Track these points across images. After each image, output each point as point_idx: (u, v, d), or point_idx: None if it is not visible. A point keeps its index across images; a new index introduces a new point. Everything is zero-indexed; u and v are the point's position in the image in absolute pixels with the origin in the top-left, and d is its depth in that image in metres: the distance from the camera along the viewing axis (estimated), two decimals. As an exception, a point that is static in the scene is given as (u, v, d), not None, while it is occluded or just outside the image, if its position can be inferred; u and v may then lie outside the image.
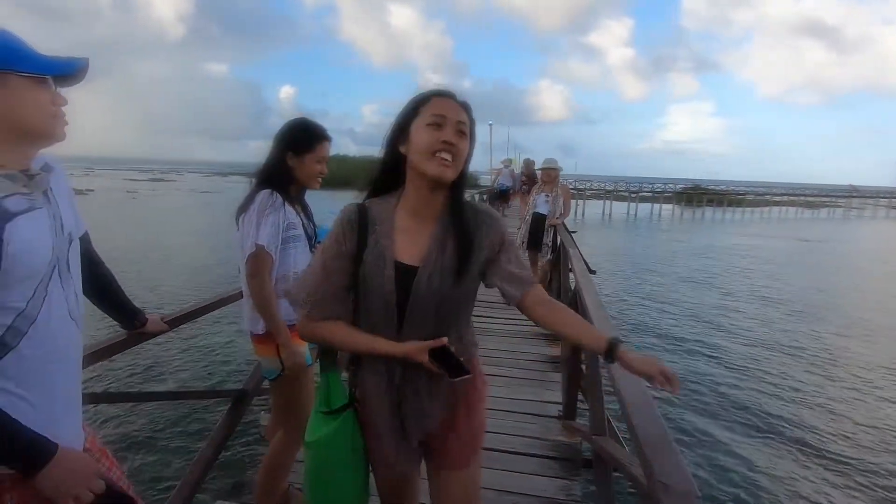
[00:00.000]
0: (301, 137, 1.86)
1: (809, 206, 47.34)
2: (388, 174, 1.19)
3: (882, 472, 4.53)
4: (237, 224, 1.87)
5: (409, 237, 1.15)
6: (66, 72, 0.97)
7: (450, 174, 1.10)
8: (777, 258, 17.18)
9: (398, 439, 1.23)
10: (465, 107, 1.14)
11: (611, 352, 1.08)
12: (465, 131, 1.12)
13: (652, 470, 1.09)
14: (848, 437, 5.11)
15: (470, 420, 1.26)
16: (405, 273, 1.12)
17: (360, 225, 1.14)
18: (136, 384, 5.38)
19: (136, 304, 1.69)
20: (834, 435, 5.14)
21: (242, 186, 1.91)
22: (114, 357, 1.79)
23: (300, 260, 1.91)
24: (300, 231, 1.90)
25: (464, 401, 1.25)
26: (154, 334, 1.83)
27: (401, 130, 1.14)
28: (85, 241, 1.32)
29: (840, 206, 49.41)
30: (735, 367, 6.89)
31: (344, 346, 1.19)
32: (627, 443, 2.04)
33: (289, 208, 1.85)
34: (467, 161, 1.15)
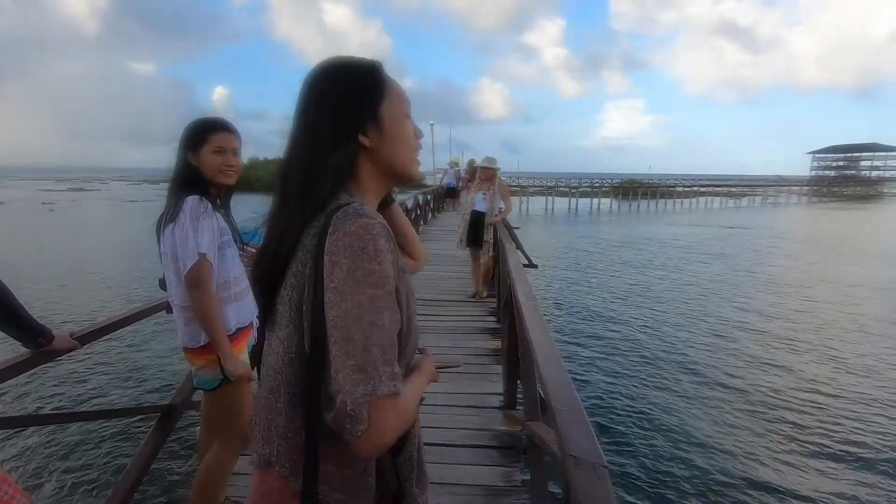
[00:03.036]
0: (193, 133, 1.80)
1: (732, 195, 51.02)
2: (341, 168, 0.82)
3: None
4: (158, 235, 1.79)
5: None
6: None
7: None
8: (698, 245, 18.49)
9: None
10: None
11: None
12: None
13: (564, 445, 1.15)
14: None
15: None
16: None
17: None
18: (51, 406, 5.00)
19: (57, 324, 1.58)
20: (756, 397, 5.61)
21: None
22: (20, 378, 1.66)
23: (235, 266, 1.87)
24: (229, 235, 1.86)
25: None
26: (62, 352, 1.72)
27: (365, 115, 0.82)
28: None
29: (758, 195, 53.58)
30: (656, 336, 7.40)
31: (416, 406, 0.81)
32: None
33: (216, 213, 1.80)
34: None
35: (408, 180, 0.89)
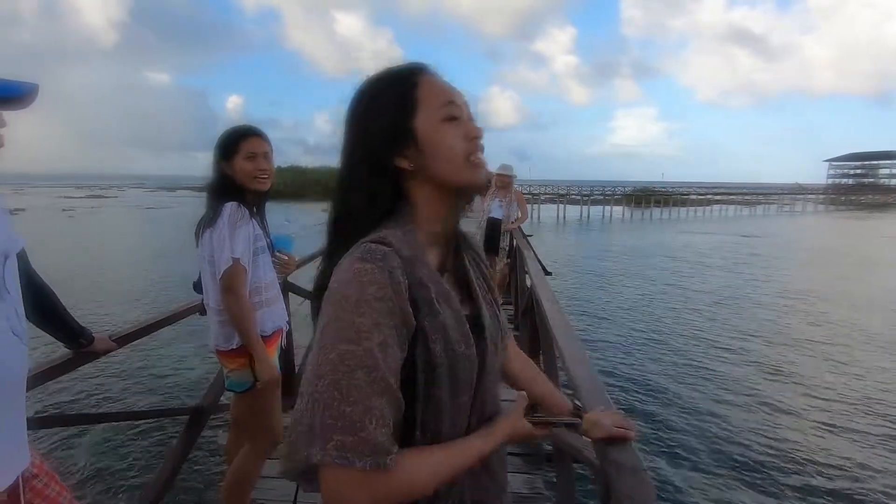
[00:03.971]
0: (224, 142, 1.85)
1: (747, 203, 50.47)
2: (382, 201, 0.75)
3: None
4: (197, 240, 1.84)
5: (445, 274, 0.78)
6: (5, 95, 0.90)
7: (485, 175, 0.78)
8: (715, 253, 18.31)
9: None
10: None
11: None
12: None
13: (604, 451, 1.16)
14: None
15: None
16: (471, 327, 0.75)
17: (405, 275, 0.68)
18: (82, 408, 5.09)
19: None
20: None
21: (192, 201, 1.89)
22: (58, 379, 1.71)
23: (267, 272, 1.91)
24: (264, 242, 1.90)
25: None
26: (102, 353, 1.76)
27: (396, 136, 0.73)
28: (22, 258, 1.27)
29: (774, 203, 52.96)
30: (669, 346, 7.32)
31: (445, 476, 0.68)
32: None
33: (253, 220, 1.85)
34: None
35: (468, 190, 0.77)
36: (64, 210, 34.51)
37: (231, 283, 1.74)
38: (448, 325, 0.69)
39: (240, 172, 1.83)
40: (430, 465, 0.67)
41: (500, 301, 0.93)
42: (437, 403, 0.69)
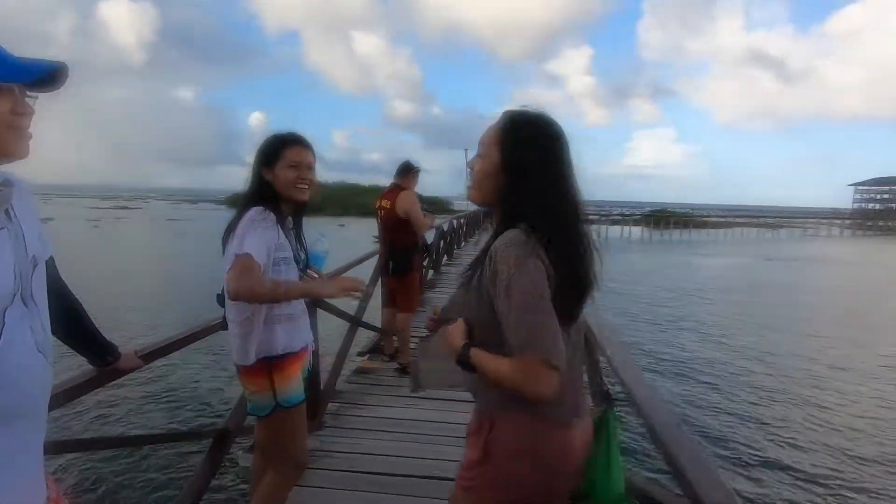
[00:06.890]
0: (268, 148, 1.77)
1: (770, 226, 49.55)
2: None
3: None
4: (224, 248, 1.71)
5: None
6: (29, 78, 0.81)
7: None
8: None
9: None
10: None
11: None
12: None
13: (696, 494, 1.01)
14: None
15: None
16: None
17: None
18: (97, 429, 4.89)
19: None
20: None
21: (213, 213, 1.78)
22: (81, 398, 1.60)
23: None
24: (289, 253, 1.76)
25: None
26: (128, 371, 1.66)
27: None
28: (50, 266, 1.18)
29: (797, 227, 51.89)
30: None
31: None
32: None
33: (280, 229, 1.73)
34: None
35: None
36: (89, 220, 35.36)
37: (240, 274, 1.53)
38: None
39: (281, 180, 1.74)
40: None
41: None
42: None
